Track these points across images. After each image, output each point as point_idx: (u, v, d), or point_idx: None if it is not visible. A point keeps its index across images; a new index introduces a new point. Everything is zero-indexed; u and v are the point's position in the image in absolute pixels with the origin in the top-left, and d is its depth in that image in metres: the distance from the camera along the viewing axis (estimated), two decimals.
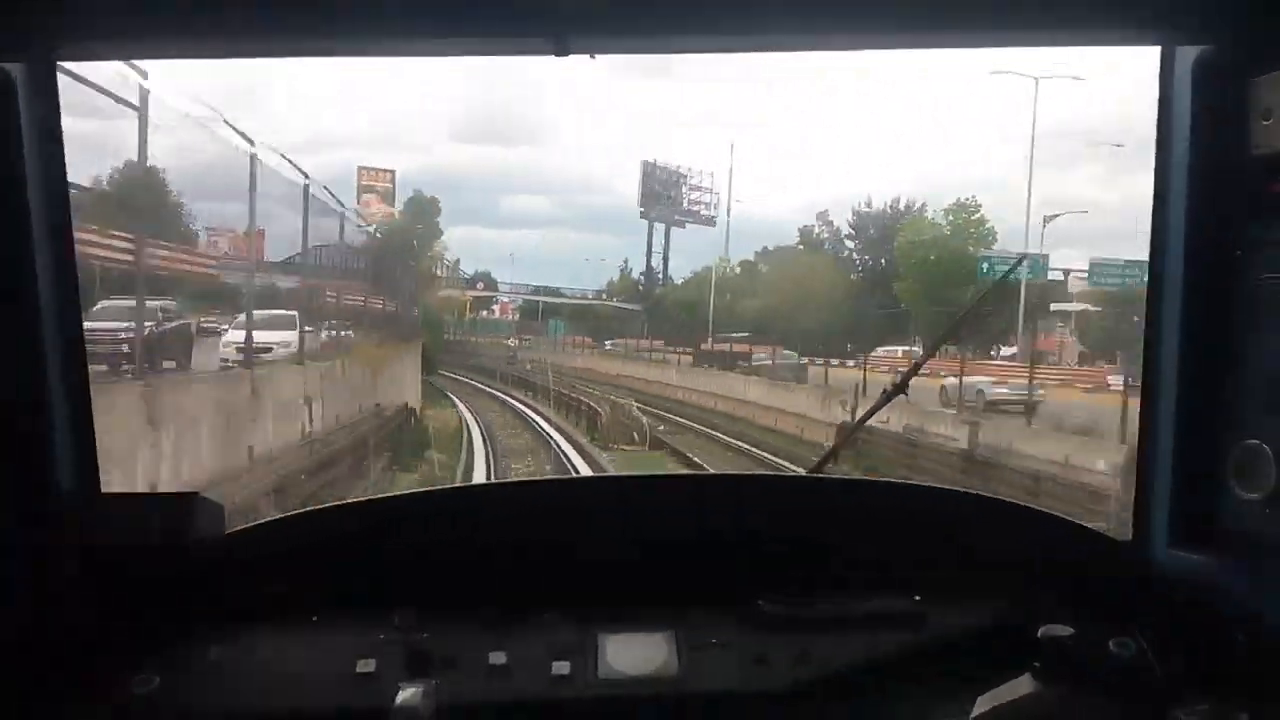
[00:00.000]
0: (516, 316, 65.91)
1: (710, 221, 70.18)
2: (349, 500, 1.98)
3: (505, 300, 67.45)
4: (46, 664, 1.50)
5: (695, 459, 19.13)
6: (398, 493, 2.01)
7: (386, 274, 25.76)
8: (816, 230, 65.82)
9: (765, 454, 20.29)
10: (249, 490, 12.22)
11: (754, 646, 1.65)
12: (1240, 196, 1.47)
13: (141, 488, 11.12)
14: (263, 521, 1.80)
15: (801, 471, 3.35)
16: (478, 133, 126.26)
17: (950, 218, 46.15)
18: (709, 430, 23.48)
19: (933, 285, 41.20)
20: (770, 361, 35.60)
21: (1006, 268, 35.98)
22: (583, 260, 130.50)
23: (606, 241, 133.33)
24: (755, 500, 1.92)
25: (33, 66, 1.49)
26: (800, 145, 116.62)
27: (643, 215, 70.13)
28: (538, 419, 25.09)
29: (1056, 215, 40.68)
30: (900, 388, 2.15)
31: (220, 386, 14.16)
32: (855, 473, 12.77)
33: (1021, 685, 1.46)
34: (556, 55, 1.46)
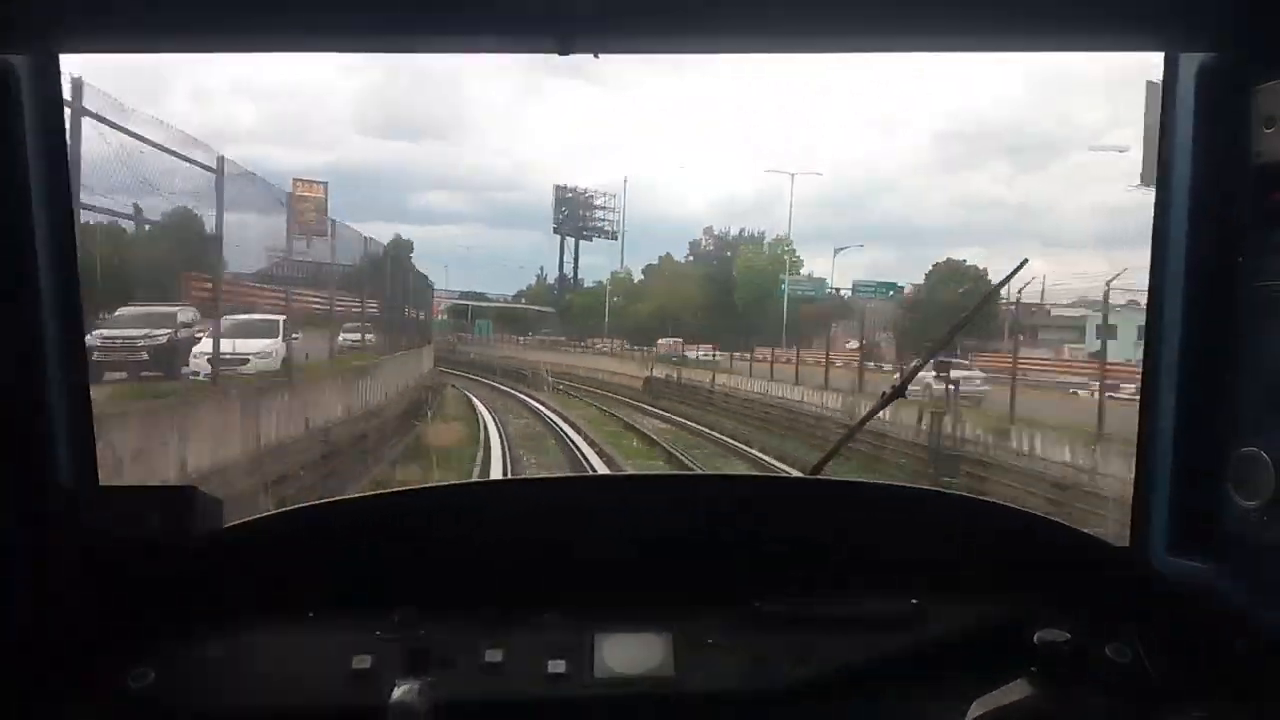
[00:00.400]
0: (445, 316, 74.47)
1: (613, 236, 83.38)
2: (347, 496, 1.99)
3: (434, 303, 78.16)
4: (44, 658, 1.49)
5: (572, 394, 38.45)
6: (396, 489, 2.04)
7: (396, 289, 29.91)
8: (704, 243, 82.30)
9: (598, 389, 40.61)
10: (404, 400, 22.60)
11: (751, 647, 1.63)
12: (1242, 203, 1.45)
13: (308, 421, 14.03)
14: (260, 516, 1.78)
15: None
16: (386, 128, 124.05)
17: (770, 249, 65.11)
18: (580, 385, 43.15)
19: (755, 298, 59.94)
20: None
21: (799, 289, 54.98)
22: (502, 264, 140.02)
23: (522, 237, 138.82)
24: (753, 500, 1.92)
25: (36, 59, 1.45)
26: (703, 152, 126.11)
27: (555, 231, 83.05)
28: (488, 380, 44.29)
29: (844, 248, 60.57)
30: (899, 391, 2.21)
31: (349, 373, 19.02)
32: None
33: (1018, 689, 1.45)
34: (560, 54, 1.45)
